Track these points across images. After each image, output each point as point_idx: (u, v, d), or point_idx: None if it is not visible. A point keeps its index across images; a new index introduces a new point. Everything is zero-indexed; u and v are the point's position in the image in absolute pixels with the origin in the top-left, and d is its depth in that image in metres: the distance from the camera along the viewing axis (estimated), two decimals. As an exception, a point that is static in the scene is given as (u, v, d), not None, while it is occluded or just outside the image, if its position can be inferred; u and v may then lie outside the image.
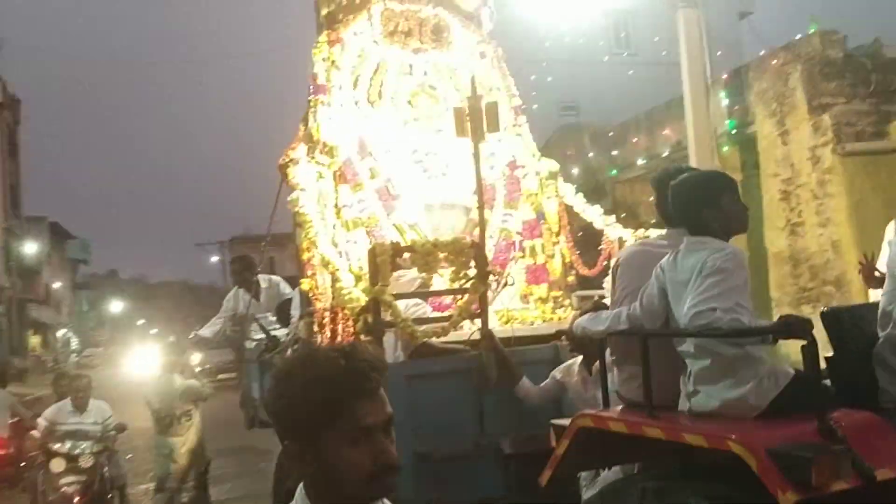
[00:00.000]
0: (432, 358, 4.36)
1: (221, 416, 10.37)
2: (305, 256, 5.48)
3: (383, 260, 4.09)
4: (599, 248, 6.26)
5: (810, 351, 2.40)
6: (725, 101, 10.12)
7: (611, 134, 14.55)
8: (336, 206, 5.78)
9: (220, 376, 21.25)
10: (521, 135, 6.84)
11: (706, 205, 2.87)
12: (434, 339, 4.31)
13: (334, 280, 4.69)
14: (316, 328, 5.48)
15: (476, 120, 4.75)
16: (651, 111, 12.10)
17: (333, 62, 6.07)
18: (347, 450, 1.45)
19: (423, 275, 4.90)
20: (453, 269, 4.37)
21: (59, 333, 51.61)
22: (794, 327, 2.44)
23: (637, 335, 2.81)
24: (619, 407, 3.06)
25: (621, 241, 5.37)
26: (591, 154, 14.93)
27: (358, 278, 5.12)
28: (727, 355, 2.64)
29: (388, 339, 4.46)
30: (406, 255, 4.31)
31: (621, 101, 15.78)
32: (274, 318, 7.44)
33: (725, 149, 10.14)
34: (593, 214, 6.52)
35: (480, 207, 4.89)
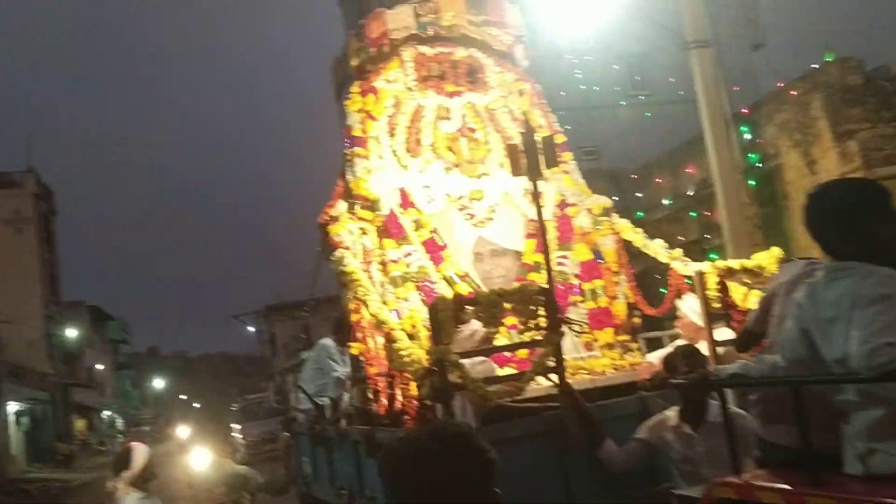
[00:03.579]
0: (507, 422, 3.88)
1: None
2: (354, 318, 5.09)
3: (445, 315, 3.68)
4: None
5: None
6: (747, 136, 9.87)
7: (634, 176, 14.33)
8: (382, 262, 5.42)
9: (265, 448, 20.73)
10: (568, 172, 6.46)
11: (852, 223, 2.31)
12: (506, 400, 3.86)
13: (389, 341, 4.28)
14: (370, 395, 5.07)
15: (532, 156, 4.38)
16: (673, 151, 11.90)
17: (368, 113, 5.78)
18: None
19: (484, 329, 4.49)
20: (521, 319, 3.93)
21: (104, 415, 51.68)
22: None
23: (789, 384, 2.27)
24: (761, 470, 2.57)
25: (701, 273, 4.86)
26: (615, 197, 14.69)
27: (412, 337, 4.73)
28: None
29: (456, 402, 4.01)
30: (469, 308, 3.89)
31: (641, 143, 15.66)
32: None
33: (753, 182, 9.84)
34: (656, 249, 6.08)
35: (545, 249, 4.49)
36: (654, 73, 20.89)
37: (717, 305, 4.67)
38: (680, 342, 5.30)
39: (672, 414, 3.76)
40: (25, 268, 38.48)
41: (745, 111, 10.17)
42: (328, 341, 7.03)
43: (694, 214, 12.29)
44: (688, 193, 11.90)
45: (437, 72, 6.17)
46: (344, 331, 5.99)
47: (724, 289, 4.65)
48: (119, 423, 54.17)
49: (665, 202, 13.06)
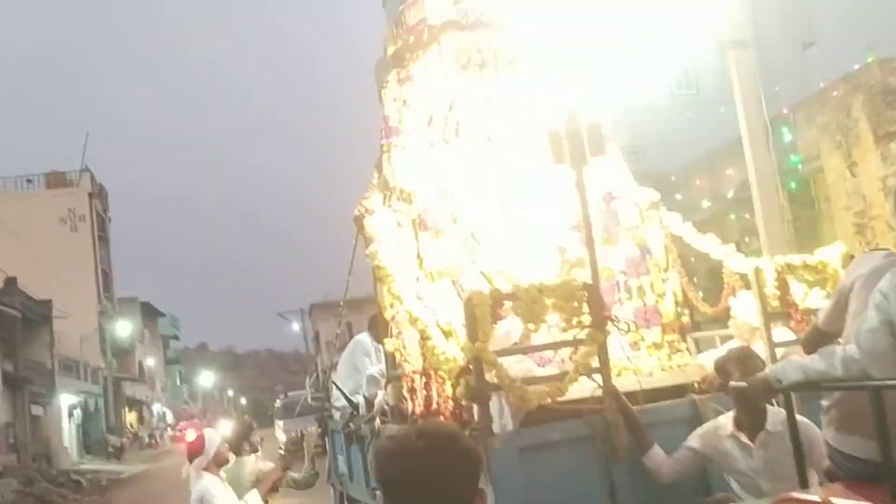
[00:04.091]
0: (547, 424, 3.64)
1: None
2: (388, 314, 4.90)
3: (483, 311, 3.45)
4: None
5: None
6: (788, 137, 9.59)
7: (672, 178, 13.98)
8: (418, 256, 5.22)
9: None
10: (614, 163, 6.16)
11: None
12: (547, 401, 3.61)
13: (424, 339, 4.08)
14: (406, 393, 4.87)
15: (576, 143, 4.12)
16: (712, 152, 11.63)
17: (405, 102, 5.60)
18: None
19: (522, 326, 4.26)
20: (564, 316, 3.68)
21: (154, 409, 52.79)
22: None
23: (867, 389, 2.00)
24: (836, 485, 2.28)
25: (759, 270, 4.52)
26: (655, 199, 14.30)
27: (447, 334, 4.52)
28: None
29: (493, 403, 3.78)
30: (507, 303, 3.65)
31: (683, 144, 15.23)
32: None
33: (793, 185, 9.55)
34: (709, 245, 5.76)
35: (590, 243, 4.23)
36: (699, 72, 20.38)
37: (776, 304, 4.34)
38: (734, 343, 4.99)
39: (726, 421, 3.46)
40: (80, 265, 39.56)
41: (786, 112, 9.87)
42: (364, 337, 6.86)
43: (734, 217, 11.91)
44: (727, 196, 11.58)
45: (478, 60, 5.94)
46: (380, 327, 5.82)
47: (783, 286, 4.31)
48: (168, 416, 55.30)
49: (705, 204, 12.75)
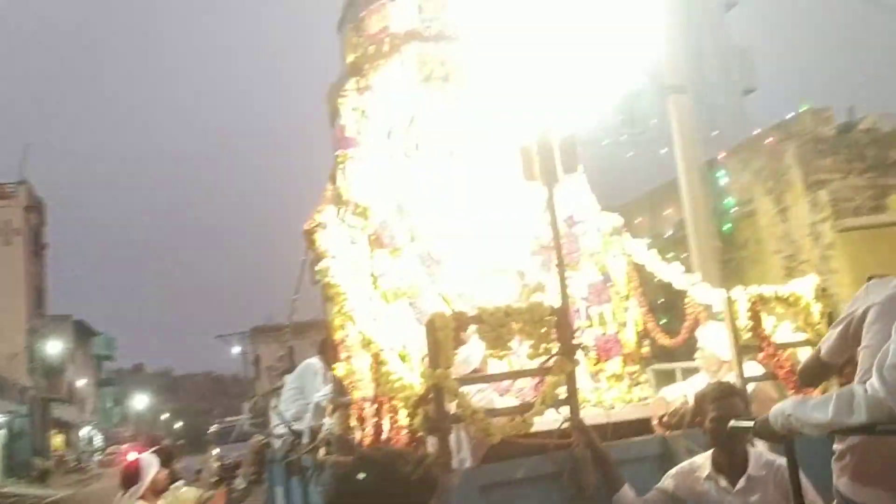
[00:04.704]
0: (510, 460, 3.33)
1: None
2: (339, 336, 4.55)
3: (445, 335, 3.14)
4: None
5: None
6: (725, 180, 9.94)
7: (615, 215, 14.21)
8: (372, 274, 4.90)
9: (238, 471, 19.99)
10: (577, 186, 5.97)
11: None
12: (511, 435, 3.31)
13: (378, 363, 3.74)
14: (353, 421, 4.51)
15: (547, 159, 3.87)
16: (653, 191, 11.81)
17: (363, 112, 5.30)
18: None
19: (482, 353, 3.97)
20: (531, 342, 3.39)
21: (83, 432, 50.74)
22: None
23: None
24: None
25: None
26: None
27: (402, 359, 4.20)
28: None
29: (451, 436, 3.46)
30: (471, 327, 3.35)
31: (624, 183, 15.47)
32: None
33: (727, 226, 9.83)
34: (672, 273, 5.58)
35: (560, 265, 3.96)
36: (645, 112, 20.81)
37: (747, 336, 4.14)
38: (700, 376, 4.78)
39: (703, 461, 3.18)
40: (11, 280, 37.97)
41: (722, 156, 10.21)
42: (314, 361, 6.48)
43: (671, 255, 12.12)
44: (665, 235, 11.73)
45: (441, 73, 5.70)
46: (330, 350, 5.46)
47: (755, 318, 4.12)
48: (98, 440, 53.14)
49: (645, 242, 13.04)
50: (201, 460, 23.30)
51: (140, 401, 68.33)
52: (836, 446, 2.30)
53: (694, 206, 9.28)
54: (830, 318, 4.36)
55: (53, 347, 41.33)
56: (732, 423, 2.68)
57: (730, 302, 4.06)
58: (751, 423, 2.41)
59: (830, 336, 2.62)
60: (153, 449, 5.75)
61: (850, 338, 2.46)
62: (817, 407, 1.96)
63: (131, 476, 4.64)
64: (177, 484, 5.66)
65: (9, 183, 41.58)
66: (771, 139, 9.22)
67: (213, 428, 26.55)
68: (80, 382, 49.95)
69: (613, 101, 20.67)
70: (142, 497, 4.59)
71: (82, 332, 50.54)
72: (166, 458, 5.64)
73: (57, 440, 43.98)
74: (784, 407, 2.11)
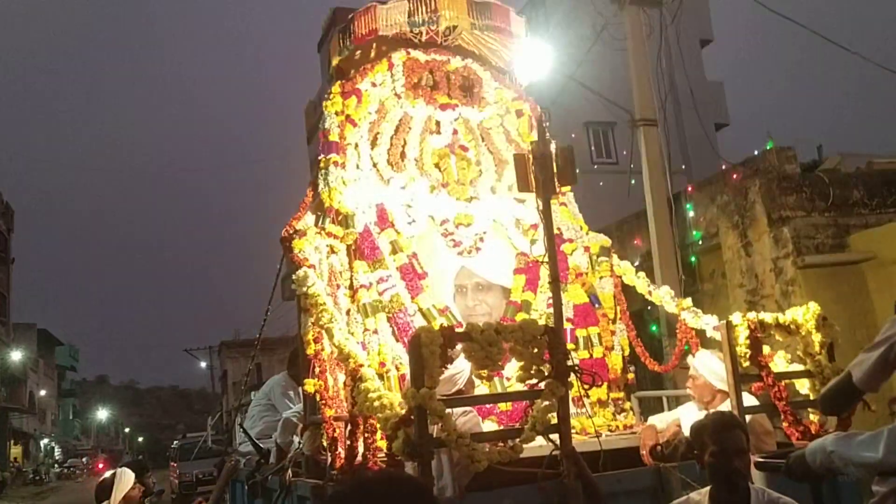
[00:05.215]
0: (495, 490, 3.06)
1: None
2: (312, 350, 4.26)
3: (432, 351, 2.88)
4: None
5: None
6: (692, 213, 10.13)
7: None
8: (351, 286, 4.63)
9: (200, 489, 19.42)
10: (566, 204, 5.78)
11: None
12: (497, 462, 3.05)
13: (356, 380, 3.46)
14: (325, 441, 4.21)
15: (545, 169, 3.64)
16: (622, 221, 11.88)
17: (348, 116, 5.06)
18: None
19: (468, 372, 3.71)
20: (523, 364, 3.14)
21: (42, 443, 49.46)
22: None
23: None
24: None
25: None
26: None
27: (379, 377, 3.93)
28: None
29: (433, 462, 3.19)
30: (459, 345, 3.09)
31: (596, 212, 15.58)
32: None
33: (693, 259, 9.97)
34: (662, 297, 5.39)
35: (555, 282, 3.72)
36: (619, 142, 20.99)
37: (746, 365, 3.93)
38: (690, 406, 4.56)
39: (700, 498, 2.94)
40: (-27, 284, 36.98)
41: (690, 189, 10.35)
42: (283, 376, 6.18)
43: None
44: (634, 265, 11.79)
45: (430, 81, 5.49)
46: (300, 366, 5.16)
47: (755, 346, 3.91)
48: (57, 452, 51.79)
49: None
50: (162, 476, 22.63)
51: (102, 413, 66.76)
52: (877, 488, 2.08)
53: (660, 238, 9.46)
54: (831, 350, 4.17)
55: (14, 356, 40.31)
56: (757, 458, 2.43)
57: (729, 327, 3.84)
58: (781, 461, 2.17)
59: (865, 361, 2.39)
60: (125, 462, 5.47)
61: (892, 363, 2.24)
62: (865, 444, 1.74)
63: (105, 489, 4.53)
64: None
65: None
66: (736, 175, 9.32)
67: (175, 443, 25.88)
68: (42, 392, 48.72)
69: (592, 130, 20.87)
70: None
71: (46, 342, 49.44)
72: (139, 472, 5.34)
73: (14, 451, 42.83)
74: (825, 443, 1.88)
